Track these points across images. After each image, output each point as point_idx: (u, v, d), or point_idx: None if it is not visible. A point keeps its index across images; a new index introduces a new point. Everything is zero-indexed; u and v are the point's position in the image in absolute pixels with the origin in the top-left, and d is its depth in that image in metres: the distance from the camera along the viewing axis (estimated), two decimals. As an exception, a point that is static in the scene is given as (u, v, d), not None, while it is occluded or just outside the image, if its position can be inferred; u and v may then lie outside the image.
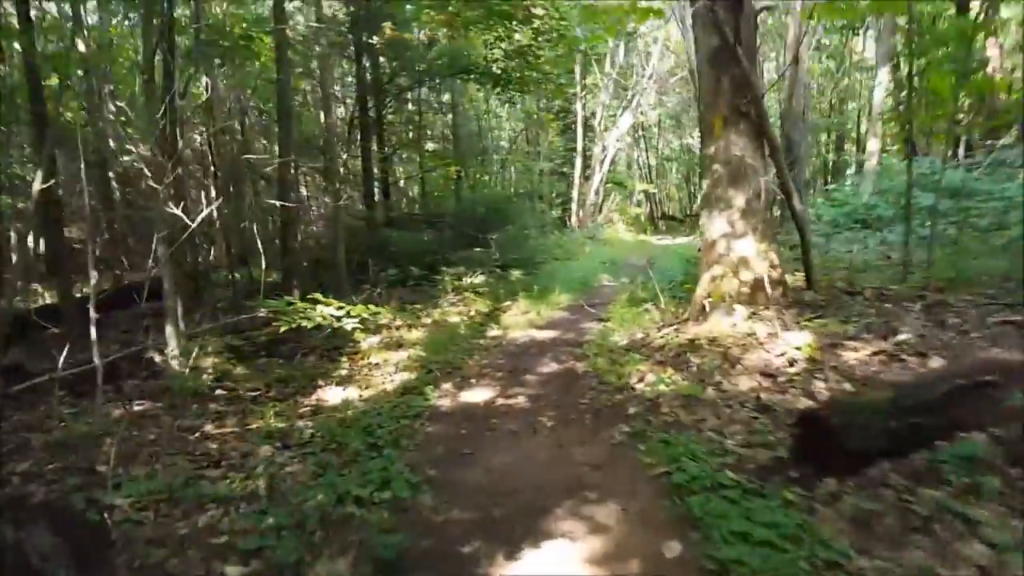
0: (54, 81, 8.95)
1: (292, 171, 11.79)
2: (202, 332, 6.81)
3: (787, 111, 11.57)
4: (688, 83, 23.82)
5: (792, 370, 4.77)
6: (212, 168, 10.60)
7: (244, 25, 10.46)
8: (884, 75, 14.02)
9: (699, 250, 6.19)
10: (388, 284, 10.91)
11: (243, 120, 12.61)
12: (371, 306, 6.10)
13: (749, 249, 5.86)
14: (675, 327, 6.23)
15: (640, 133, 29.65)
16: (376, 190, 14.11)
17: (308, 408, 5.33)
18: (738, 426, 3.98)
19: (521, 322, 8.45)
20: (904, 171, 12.90)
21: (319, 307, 5.48)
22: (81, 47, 7.84)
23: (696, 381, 4.84)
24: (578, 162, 20.75)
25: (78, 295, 10.05)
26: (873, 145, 14.18)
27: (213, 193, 11.32)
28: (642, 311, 7.81)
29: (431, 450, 4.12)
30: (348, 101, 14.92)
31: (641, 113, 22.17)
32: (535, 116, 19.05)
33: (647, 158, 34.29)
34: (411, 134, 13.98)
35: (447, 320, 8.78)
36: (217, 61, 10.27)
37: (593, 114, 21.14)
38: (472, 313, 9.11)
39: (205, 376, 6.00)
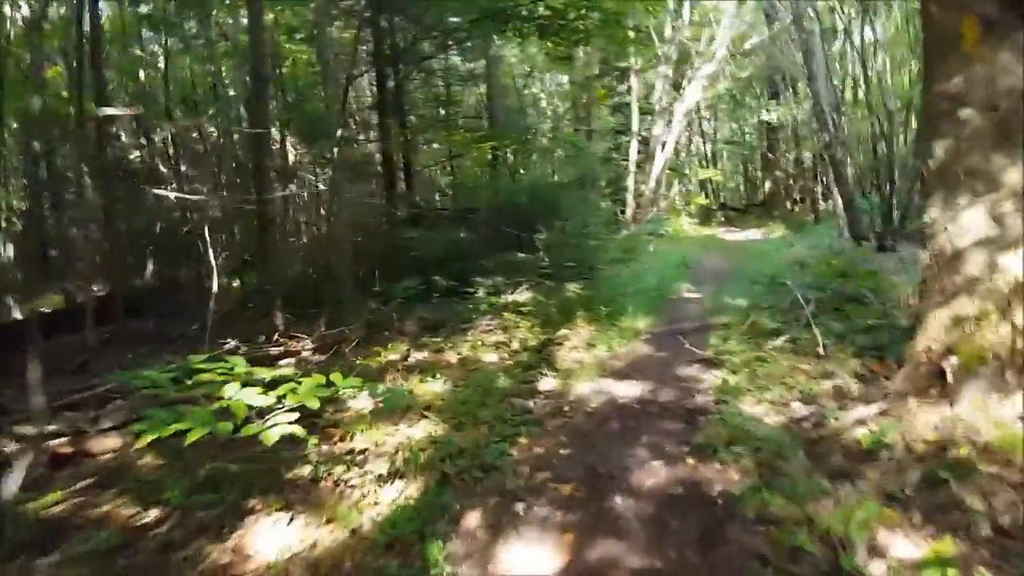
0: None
1: (286, 157, 9.45)
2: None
3: None
4: (757, 55, 20.76)
5: None
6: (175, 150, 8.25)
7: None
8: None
9: (927, 262, 3.36)
10: (405, 300, 8.41)
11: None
12: (342, 377, 3.64)
13: (1037, 269, 3.12)
14: (880, 406, 3.51)
15: (696, 115, 26.55)
16: (400, 181, 11.65)
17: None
18: None
19: (588, 364, 5.81)
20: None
21: (230, 389, 3.00)
22: None
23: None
24: (633, 145, 17.92)
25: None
26: None
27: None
28: (778, 352, 5.11)
29: None
30: (366, 74, 12.48)
31: (712, 85, 19.14)
32: (585, 86, 16.21)
33: (703, 143, 31.10)
34: (439, 111, 11.46)
35: (480, 359, 6.21)
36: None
37: (652, 90, 18.27)
38: (515, 347, 6.52)
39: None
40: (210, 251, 6.73)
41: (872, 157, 9.05)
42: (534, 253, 8.91)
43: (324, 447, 4.48)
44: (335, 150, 8.28)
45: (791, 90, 22.79)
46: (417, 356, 6.67)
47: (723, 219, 24.15)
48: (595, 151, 15.69)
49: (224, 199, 8.85)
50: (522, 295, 7.93)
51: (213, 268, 6.73)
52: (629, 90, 18.86)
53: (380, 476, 3.78)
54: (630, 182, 17.70)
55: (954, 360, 3.15)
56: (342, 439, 4.51)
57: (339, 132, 7.94)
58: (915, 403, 3.25)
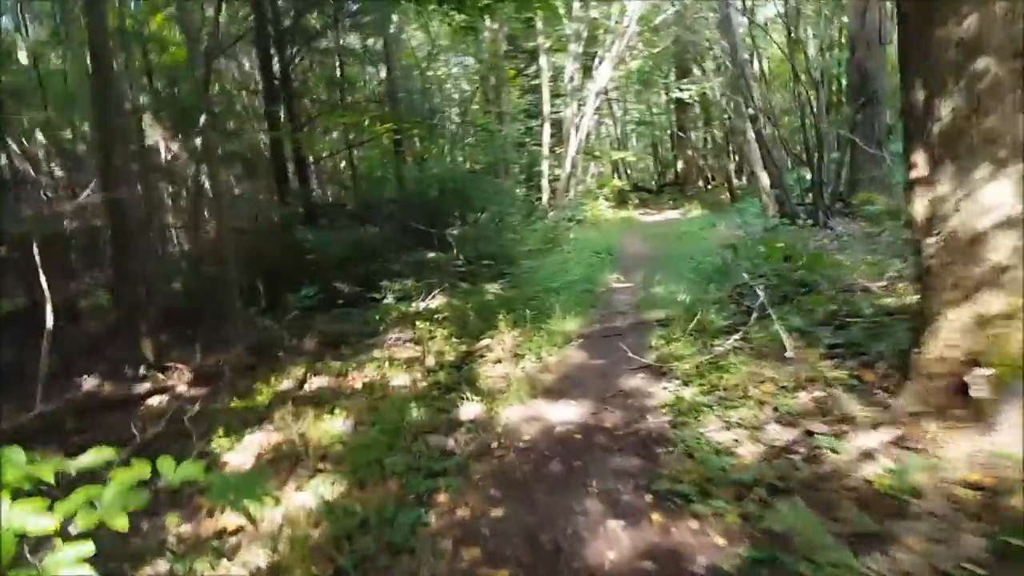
0: None
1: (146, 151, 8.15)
2: None
3: (857, 32, 8.24)
4: (668, 31, 20.49)
5: None
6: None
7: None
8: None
9: (931, 249, 2.70)
10: (302, 311, 7.34)
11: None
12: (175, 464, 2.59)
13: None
14: (890, 432, 2.84)
15: (606, 96, 26.19)
16: (296, 174, 10.40)
17: None
18: None
19: (516, 380, 4.96)
20: None
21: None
22: None
23: None
24: (546, 128, 17.22)
25: None
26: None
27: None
28: (733, 355, 4.46)
29: None
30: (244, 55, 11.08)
31: (624, 63, 18.63)
32: (494, 66, 15.28)
33: (613, 125, 30.91)
34: (334, 95, 10.24)
35: (389, 382, 5.29)
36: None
37: (563, 71, 17.60)
38: (430, 363, 5.62)
39: None
40: (41, 274, 5.40)
41: (800, 130, 8.73)
42: (447, 251, 7.99)
43: (187, 526, 3.48)
44: (200, 140, 7.06)
45: (700, 68, 22.80)
46: (316, 382, 5.67)
47: (637, 201, 23.88)
48: (507, 135, 14.84)
49: (62, 204, 7.40)
50: (436, 300, 7.02)
51: (46, 297, 5.42)
52: (539, 71, 18.13)
53: (256, 573, 2.83)
54: (544, 167, 17.01)
55: (982, 372, 2.51)
56: (211, 513, 3.51)
57: (203, 119, 6.72)
58: (936, 427, 2.60)
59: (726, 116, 22.69)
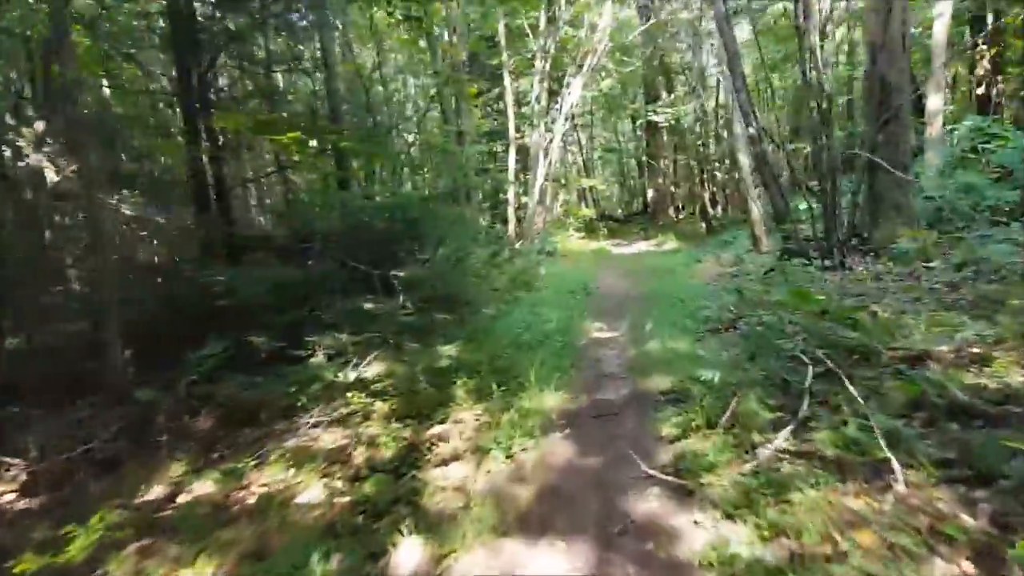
0: None
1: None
2: None
3: (879, 39, 6.92)
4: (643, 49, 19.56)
5: None
6: None
7: None
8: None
9: None
10: (205, 373, 5.71)
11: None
12: None
13: None
14: None
15: (573, 121, 25.14)
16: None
17: None
18: None
19: (477, 499, 3.44)
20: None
21: None
22: None
23: None
24: (511, 152, 15.88)
25: None
26: (935, 103, 10.06)
27: None
28: (797, 472, 3.03)
29: None
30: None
31: (594, 82, 17.48)
32: (454, 81, 13.74)
33: (580, 151, 29.90)
34: (261, 106, 8.66)
35: (294, 495, 3.72)
36: None
37: (528, 92, 16.34)
38: (359, 462, 4.07)
39: None
40: None
41: (811, 151, 7.52)
42: (394, 296, 6.45)
43: None
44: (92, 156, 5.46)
45: (669, 92, 21.88)
46: (196, 489, 4.06)
47: (606, 231, 22.63)
48: (468, 156, 13.35)
49: None
50: (377, 363, 5.47)
51: None
52: (503, 93, 16.88)
53: None
54: (511, 195, 15.63)
55: None
56: None
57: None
58: None
59: (700, 143, 21.86)
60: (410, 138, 14.34)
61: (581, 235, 18.83)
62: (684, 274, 10.37)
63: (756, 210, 10.63)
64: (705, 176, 18.94)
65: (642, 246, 18.14)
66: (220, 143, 8.35)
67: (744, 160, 10.90)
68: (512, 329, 6.63)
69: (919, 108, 10.12)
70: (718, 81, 19.65)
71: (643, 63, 18.99)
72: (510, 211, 15.45)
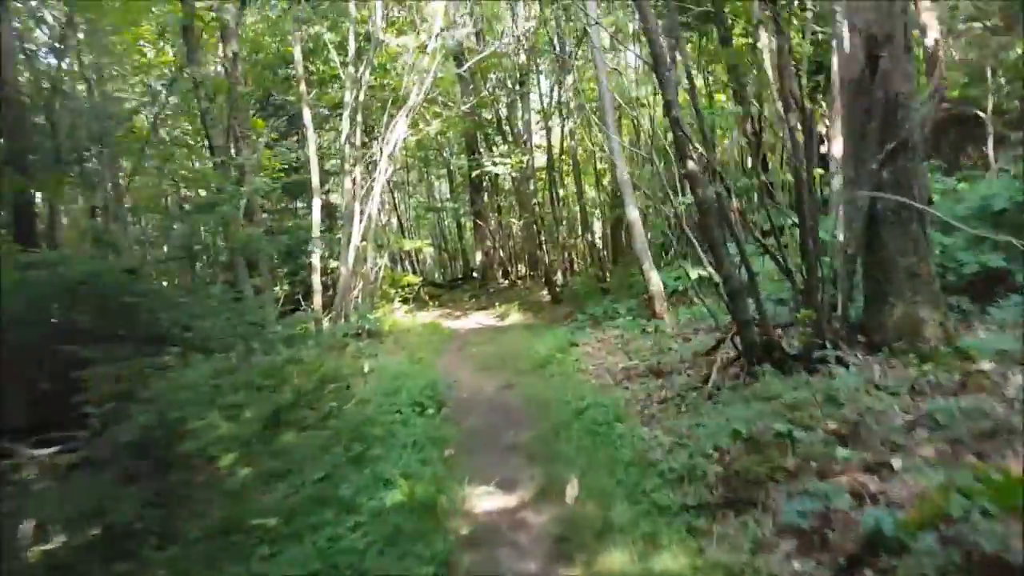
0: None
1: None
2: None
3: (880, 42, 4.60)
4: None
5: None
6: None
7: None
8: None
9: None
10: None
11: None
12: None
13: None
14: None
15: (390, 176, 21.97)
16: None
17: None
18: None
19: None
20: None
21: None
22: None
23: None
24: (316, 205, 12.25)
25: None
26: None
27: None
28: None
29: None
30: None
31: (420, 123, 14.43)
32: (224, 88, 9.55)
33: (395, 210, 26.62)
34: None
35: None
36: None
37: (338, 136, 12.95)
38: None
39: None
40: None
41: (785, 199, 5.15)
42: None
43: None
44: None
45: (490, 146, 19.69)
46: None
47: (427, 299, 19.31)
48: (251, 194, 9.30)
49: None
50: None
51: None
52: (303, 135, 13.30)
53: None
54: (315, 259, 11.87)
55: None
56: None
57: None
58: None
59: (535, 202, 19.75)
60: (137, 163, 9.82)
61: (408, 307, 15.42)
62: (568, 366, 7.46)
63: (654, 279, 8.22)
64: (545, 238, 16.64)
65: (481, 319, 15.19)
66: None
67: (634, 214, 8.43)
68: (318, 545, 3.09)
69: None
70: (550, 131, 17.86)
71: (461, 117, 16.56)
72: (315, 279, 11.67)
